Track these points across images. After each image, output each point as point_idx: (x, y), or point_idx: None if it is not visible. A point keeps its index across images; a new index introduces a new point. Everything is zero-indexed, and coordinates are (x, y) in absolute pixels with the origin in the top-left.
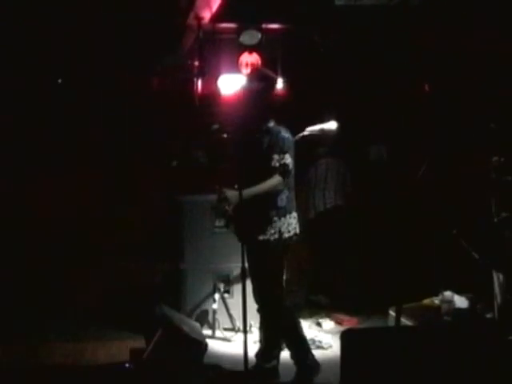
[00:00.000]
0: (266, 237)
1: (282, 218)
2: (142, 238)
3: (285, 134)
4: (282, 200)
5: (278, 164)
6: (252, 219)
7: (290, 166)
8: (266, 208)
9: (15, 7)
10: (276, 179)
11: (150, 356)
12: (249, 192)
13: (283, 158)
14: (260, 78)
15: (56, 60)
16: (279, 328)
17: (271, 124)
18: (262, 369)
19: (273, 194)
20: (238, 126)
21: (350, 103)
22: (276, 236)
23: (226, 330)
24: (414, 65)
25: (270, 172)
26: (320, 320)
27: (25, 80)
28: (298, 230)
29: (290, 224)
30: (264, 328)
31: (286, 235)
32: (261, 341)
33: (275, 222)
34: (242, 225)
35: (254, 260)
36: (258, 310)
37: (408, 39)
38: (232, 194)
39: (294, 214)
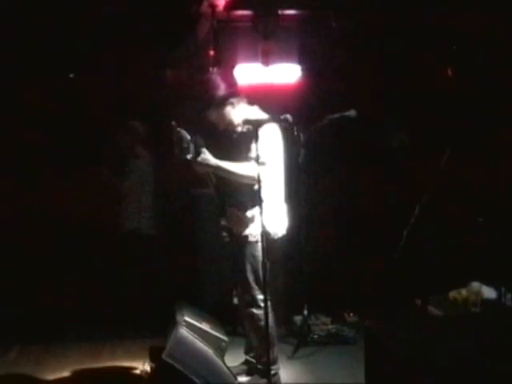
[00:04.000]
0: (247, 232)
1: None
2: (159, 235)
3: None
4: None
5: None
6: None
7: None
8: (247, 202)
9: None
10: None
11: (168, 354)
12: (225, 165)
13: None
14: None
15: (65, 52)
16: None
17: None
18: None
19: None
20: None
21: (371, 90)
22: (257, 232)
23: None
24: (437, 48)
25: None
26: (344, 313)
27: (34, 75)
28: (285, 224)
29: (274, 218)
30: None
31: (270, 230)
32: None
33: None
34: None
35: (237, 256)
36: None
37: (431, 21)
38: (207, 157)
39: (280, 207)
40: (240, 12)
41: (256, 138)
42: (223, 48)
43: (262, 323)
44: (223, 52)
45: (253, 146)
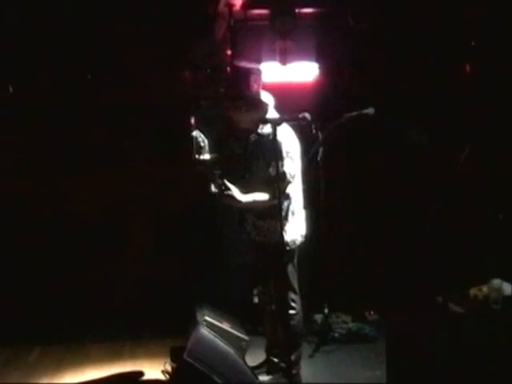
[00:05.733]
0: (265, 240)
1: (284, 221)
2: (178, 234)
3: None
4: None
5: None
6: (257, 221)
7: None
8: (267, 210)
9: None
10: None
11: (189, 354)
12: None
13: None
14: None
15: (83, 53)
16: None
17: None
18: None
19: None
20: None
21: (389, 86)
22: (278, 238)
23: None
24: (455, 45)
25: None
26: (365, 312)
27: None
28: (303, 232)
29: (292, 227)
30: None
31: (288, 238)
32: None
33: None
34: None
35: (264, 262)
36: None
37: (448, 17)
38: (234, 191)
39: (298, 216)
40: (257, 11)
41: (274, 141)
42: (240, 47)
43: (292, 322)
44: (240, 51)
45: (274, 161)
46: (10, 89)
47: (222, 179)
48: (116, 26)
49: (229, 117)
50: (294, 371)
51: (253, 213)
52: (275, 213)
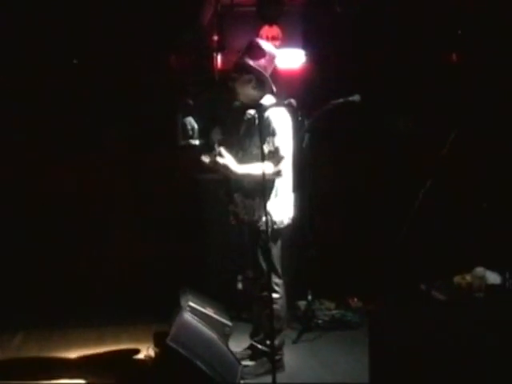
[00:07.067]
0: (253, 218)
1: (273, 199)
2: (164, 218)
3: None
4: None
5: None
6: (246, 200)
7: None
8: (253, 190)
9: None
10: None
11: (172, 339)
12: (242, 170)
13: None
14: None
15: (69, 38)
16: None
17: None
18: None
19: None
20: None
21: (375, 73)
22: (263, 218)
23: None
24: (442, 33)
25: None
26: (349, 299)
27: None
28: (291, 214)
29: (281, 207)
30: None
31: (276, 218)
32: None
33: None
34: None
35: (249, 243)
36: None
37: (435, 5)
38: (229, 160)
39: (287, 198)
40: None
41: (261, 123)
42: (227, 33)
43: (275, 306)
44: (227, 37)
45: (268, 137)
46: None
47: (220, 147)
48: (101, 11)
49: (232, 87)
50: (277, 357)
51: (242, 192)
52: (264, 191)
